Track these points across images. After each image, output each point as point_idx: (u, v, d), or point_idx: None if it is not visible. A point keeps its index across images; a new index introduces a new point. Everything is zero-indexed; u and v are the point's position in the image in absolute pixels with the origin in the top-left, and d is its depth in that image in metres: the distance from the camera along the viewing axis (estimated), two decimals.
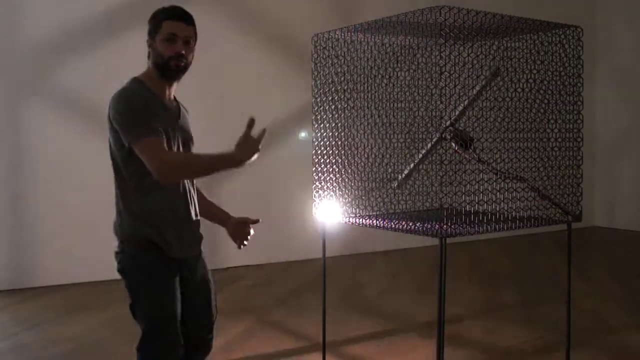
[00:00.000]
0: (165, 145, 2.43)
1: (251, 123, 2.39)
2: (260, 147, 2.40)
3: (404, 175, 3.27)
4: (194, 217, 2.66)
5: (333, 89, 3.44)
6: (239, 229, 2.82)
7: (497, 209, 3.07)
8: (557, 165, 3.29)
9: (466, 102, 2.98)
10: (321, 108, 3.47)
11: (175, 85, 2.62)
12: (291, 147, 7.61)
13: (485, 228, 2.98)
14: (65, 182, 6.38)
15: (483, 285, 6.32)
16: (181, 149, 2.62)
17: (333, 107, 3.45)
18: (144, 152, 2.36)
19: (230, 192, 6.91)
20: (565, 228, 3.40)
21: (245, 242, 2.83)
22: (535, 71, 3.22)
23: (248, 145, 2.38)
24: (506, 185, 3.08)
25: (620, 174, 10.01)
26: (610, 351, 4.34)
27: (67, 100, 6.47)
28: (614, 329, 4.83)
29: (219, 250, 6.93)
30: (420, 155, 3.20)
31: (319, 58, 3.45)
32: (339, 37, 3.42)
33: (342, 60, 3.43)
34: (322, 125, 3.47)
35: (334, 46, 3.44)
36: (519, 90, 3.16)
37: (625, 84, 9.95)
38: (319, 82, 3.46)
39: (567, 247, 3.43)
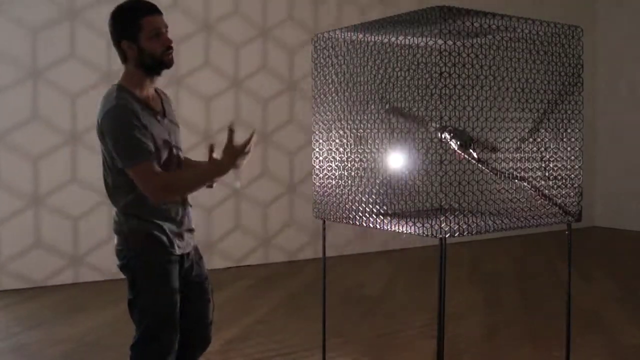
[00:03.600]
0: (155, 165, 2.42)
1: (230, 133, 2.46)
2: (247, 149, 2.46)
3: (400, 110, 3.19)
4: (188, 211, 2.68)
5: (333, 89, 3.44)
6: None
7: (497, 209, 3.07)
8: (557, 165, 3.29)
9: (462, 130, 2.98)
10: (321, 108, 3.46)
11: (156, 79, 2.60)
12: (290, 146, 7.61)
13: (485, 228, 2.98)
14: (58, 182, 6.39)
15: (483, 285, 6.32)
16: (174, 151, 2.60)
17: (333, 107, 3.44)
18: (137, 178, 2.42)
19: (229, 191, 6.92)
20: (565, 228, 3.40)
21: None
22: (535, 71, 3.22)
23: (230, 153, 2.46)
24: (506, 185, 3.08)
25: (620, 173, 10.01)
26: (610, 351, 4.34)
27: None
28: (614, 329, 4.83)
29: (218, 251, 6.94)
30: (419, 119, 3.14)
31: (318, 58, 3.45)
32: (339, 37, 3.42)
33: (342, 60, 3.43)
34: (322, 125, 3.46)
35: (333, 46, 3.44)
36: (519, 90, 3.16)
37: (626, 84, 9.94)
38: (319, 82, 3.46)
39: (567, 247, 3.43)
